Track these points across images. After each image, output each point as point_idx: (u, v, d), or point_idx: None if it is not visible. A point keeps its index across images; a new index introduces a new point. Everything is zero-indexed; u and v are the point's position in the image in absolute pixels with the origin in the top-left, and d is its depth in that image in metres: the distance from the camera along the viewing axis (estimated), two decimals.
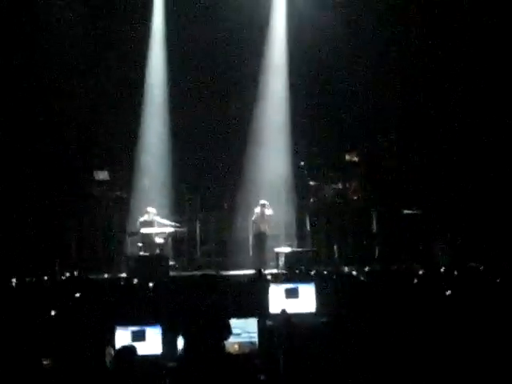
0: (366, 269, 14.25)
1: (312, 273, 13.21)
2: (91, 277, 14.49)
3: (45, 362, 7.00)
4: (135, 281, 12.92)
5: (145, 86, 18.88)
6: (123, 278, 15.34)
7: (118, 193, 18.74)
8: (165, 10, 18.92)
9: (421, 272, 12.22)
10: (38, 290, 11.21)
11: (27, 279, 12.93)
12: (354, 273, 13.69)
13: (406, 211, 17.71)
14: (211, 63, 18.49)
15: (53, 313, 9.08)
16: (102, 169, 18.81)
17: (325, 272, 13.37)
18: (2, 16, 17.85)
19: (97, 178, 18.71)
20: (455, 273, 11.73)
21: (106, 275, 16.37)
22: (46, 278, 13.64)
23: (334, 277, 12.04)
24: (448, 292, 9.41)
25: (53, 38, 17.81)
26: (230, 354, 7.15)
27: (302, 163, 18.74)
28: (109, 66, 18.59)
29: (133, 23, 18.48)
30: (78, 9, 18.26)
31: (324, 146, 18.98)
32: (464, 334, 7.22)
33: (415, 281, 10.94)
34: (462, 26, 18.01)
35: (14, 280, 12.42)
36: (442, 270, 12.64)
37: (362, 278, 12.02)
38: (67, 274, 14.63)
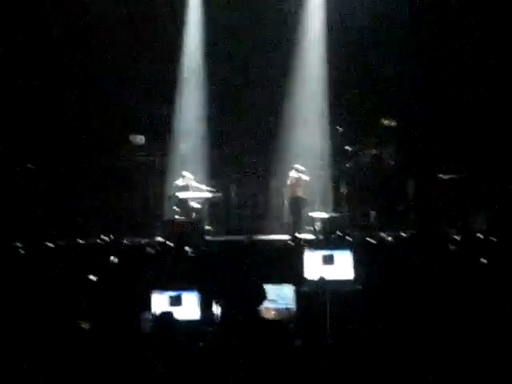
0: (402, 234, 14.19)
1: (348, 238, 13.15)
2: (127, 241, 14.58)
3: (83, 325, 7.09)
4: (171, 245, 12.97)
5: (181, 51, 18.83)
6: (159, 242, 15.41)
7: (154, 157, 18.76)
8: None
9: (457, 238, 12.14)
10: (74, 254, 11.32)
11: (63, 242, 13.06)
12: (390, 238, 13.64)
13: (442, 176, 17.54)
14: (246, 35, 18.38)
15: (92, 277, 9.18)
16: (138, 133, 18.83)
17: (366, 238, 13.17)
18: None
19: (133, 142, 18.76)
20: (492, 239, 11.63)
21: (142, 240, 16.46)
22: (81, 241, 13.79)
23: (371, 242, 11.98)
24: (483, 260, 9.35)
25: None
26: (265, 320, 7.20)
27: (339, 128, 18.57)
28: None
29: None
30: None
31: (361, 110, 18.79)
32: (500, 303, 7.18)
33: (451, 247, 10.86)
34: None
35: (49, 243, 12.55)
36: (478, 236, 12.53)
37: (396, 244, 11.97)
38: (105, 238, 14.74)
